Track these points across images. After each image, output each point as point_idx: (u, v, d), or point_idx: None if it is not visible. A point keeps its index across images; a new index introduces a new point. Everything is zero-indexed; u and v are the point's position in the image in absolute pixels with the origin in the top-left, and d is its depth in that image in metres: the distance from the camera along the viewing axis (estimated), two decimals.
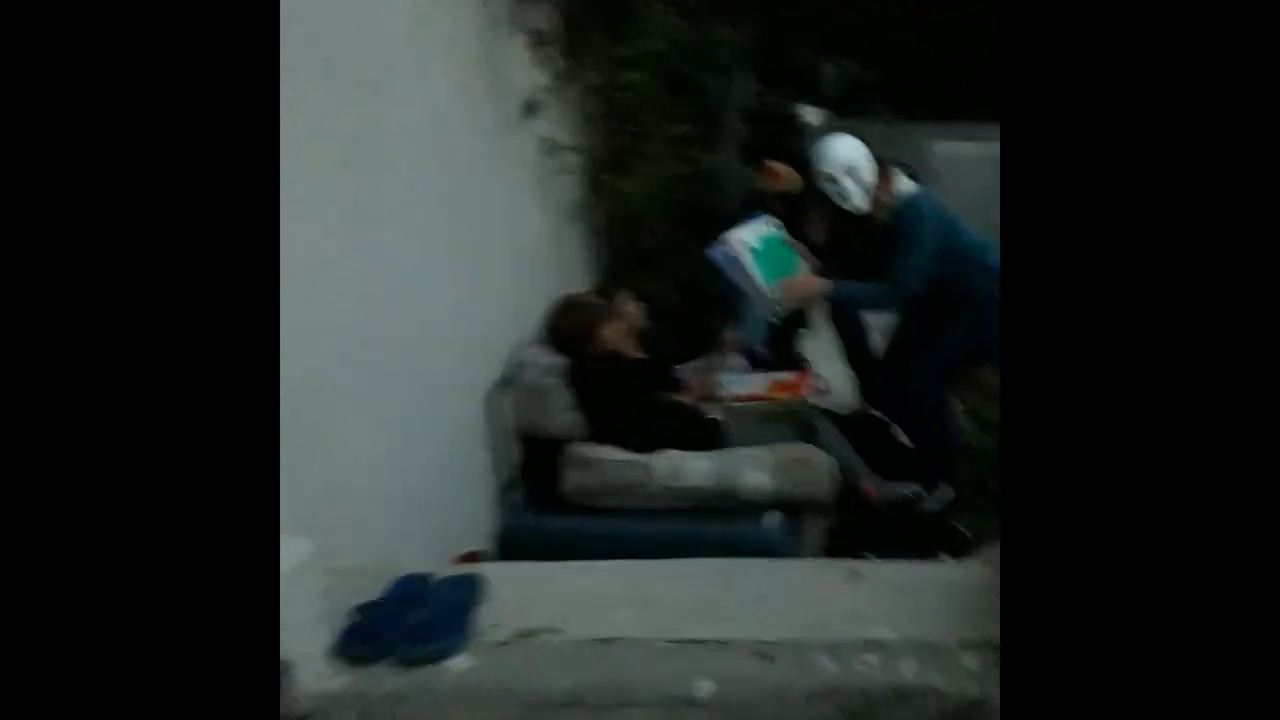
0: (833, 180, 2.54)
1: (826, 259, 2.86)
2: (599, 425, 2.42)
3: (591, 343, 2.55)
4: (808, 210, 2.79)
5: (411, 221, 1.95)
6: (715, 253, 2.68)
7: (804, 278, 2.63)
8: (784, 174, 2.90)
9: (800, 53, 5.60)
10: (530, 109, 2.83)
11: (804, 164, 2.79)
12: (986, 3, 6.90)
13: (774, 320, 2.92)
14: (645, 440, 2.39)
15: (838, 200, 2.56)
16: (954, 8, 7.07)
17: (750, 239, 2.65)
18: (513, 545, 2.30)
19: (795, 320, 3.31)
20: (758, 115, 4.30)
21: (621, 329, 2.66)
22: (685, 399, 2.72)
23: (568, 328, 2.58)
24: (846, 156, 2.52)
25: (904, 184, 2.58)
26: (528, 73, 2.89)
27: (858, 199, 2.53)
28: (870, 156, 2.55)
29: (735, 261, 2.62)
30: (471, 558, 2.01)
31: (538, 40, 2.93)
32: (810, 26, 6.09)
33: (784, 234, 2.72)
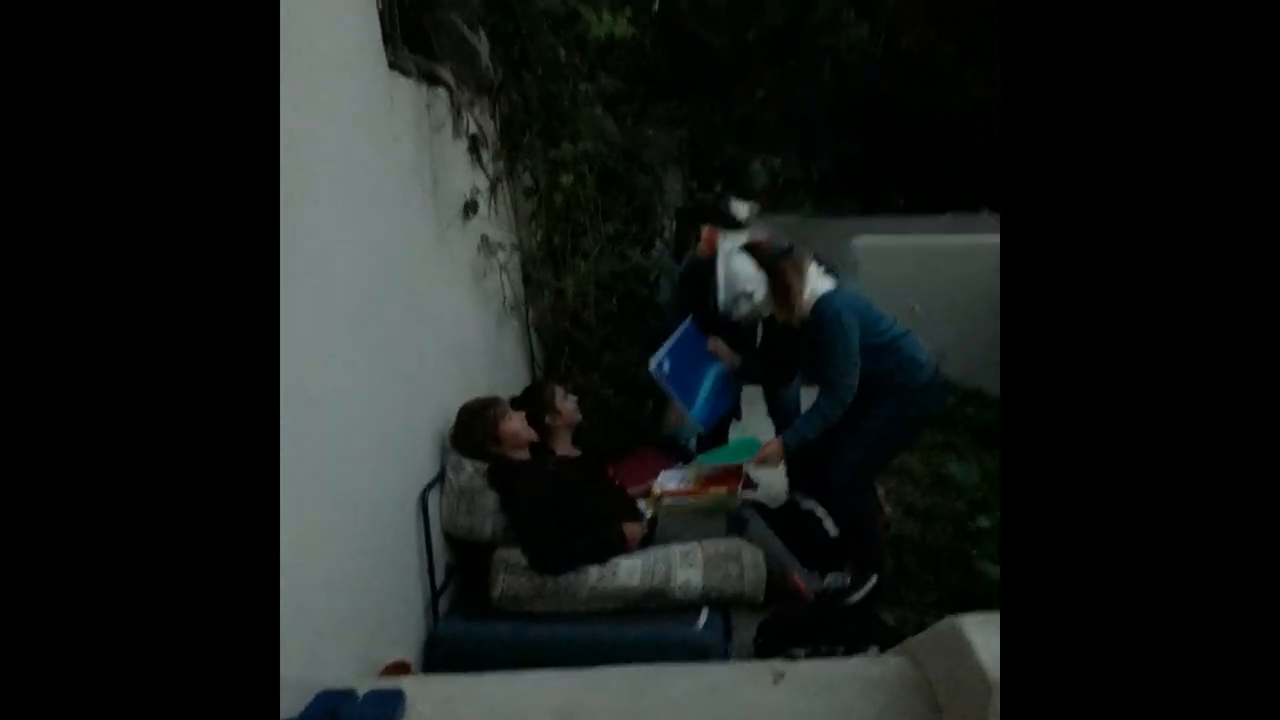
0: (733, 302, 2.75)
1: (761, 354, 3.12)
2: (521, 534, 2.41)
3: (498, 443, 2.55)
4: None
5: (347, 322, 1.97)
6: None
7: (768, 447, 2.74)
8: (715, 240, 3.14)
9: (729, 151, 5.87)
10: (469, 209, 2.91)
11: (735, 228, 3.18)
12: (901, 102, 7.37)
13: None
14: (559, 564, 2.34)
15: (739, 319, 2.81)
16: (872, 107, 7.55)
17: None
18: (442, 653, 2.26)
19: (728, 412, 3.40)
20: (689, 211, 4.47)
21: (521, 422, 2.64)
22: (618, 493, 2.75)
23: (469, 436, 2.55)
24: (739, 284, 2.72)
25: (820, 284, 2.67)
26: (467, 174, 2.99)
27: (751, 315, 2.77)
28: (759, 277, 2.69)
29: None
30: (398, 668, 1.99)
31: (475, 144, 3.03)
32: (738, 127, 6.43)
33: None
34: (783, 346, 2.95)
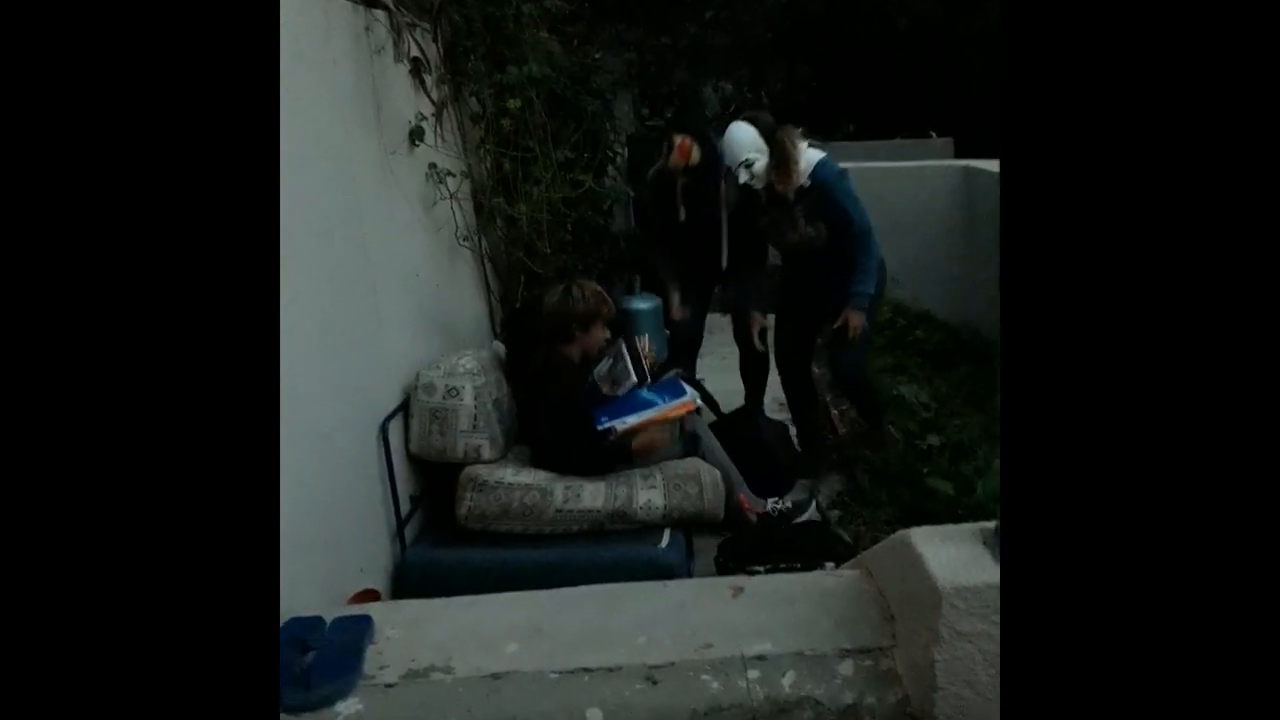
0: (739, 168, 2.87)
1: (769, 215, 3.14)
2: (559, 454, 2.46)
3: (576, 339, 2.58)
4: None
5: (294, 254, 1.92)
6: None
7: (850, 319, 2.91)
8: (689, 150, 3.20)
9: (679, 76, 5.74)
10: (415, 136, 2.82)
11: (704, 139, 3.21)
12: (852, 29, 7.28)
13: None
14: (601, 467, 2.44)
15: (747, 182, 2.90)
16: (824, 33, 7.44)
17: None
18: (411, 580, 2.27)
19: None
20: (640, 138, 4.41)
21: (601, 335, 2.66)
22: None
23: (569, 309, 2.56)
24: (740, 153, 2.84)
25: (810, 154, 2.87)
26: (410, 100, 2.89)
27: (757, 183, 2.88)
28: (761, 146, 2.81)
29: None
30: (367, 595, 2.00)
31: (418, 68, 2.93)
32: (687, 51, 6.29)
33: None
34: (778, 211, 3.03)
